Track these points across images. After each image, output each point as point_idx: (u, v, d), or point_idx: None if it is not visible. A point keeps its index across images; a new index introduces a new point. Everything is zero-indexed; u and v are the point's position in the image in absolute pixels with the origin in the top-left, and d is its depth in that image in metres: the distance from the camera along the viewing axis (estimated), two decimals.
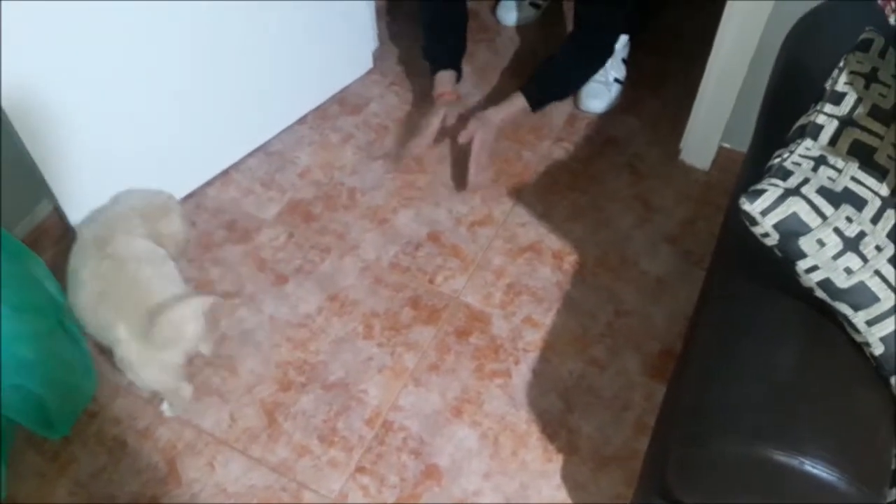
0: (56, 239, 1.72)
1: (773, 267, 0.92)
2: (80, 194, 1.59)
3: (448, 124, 1.86)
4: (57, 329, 1.40)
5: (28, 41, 1.35)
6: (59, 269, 1.64)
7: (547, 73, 1.88)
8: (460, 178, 1.84)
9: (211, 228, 1.77)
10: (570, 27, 2.22)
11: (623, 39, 2.01)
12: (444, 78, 1.91)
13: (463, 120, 1.83)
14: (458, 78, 1.94)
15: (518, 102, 1.83)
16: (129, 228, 1.45)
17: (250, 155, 1.90)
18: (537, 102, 1.85)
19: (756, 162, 1.07)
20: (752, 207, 0.89)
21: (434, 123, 1.83)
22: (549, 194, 1.85)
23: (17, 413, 1.33)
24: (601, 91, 2.02)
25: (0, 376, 1.24)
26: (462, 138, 1.79)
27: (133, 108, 1.59)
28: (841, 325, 0.90)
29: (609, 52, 1.92)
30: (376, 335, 1.58)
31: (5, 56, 1.33)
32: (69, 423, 1.44)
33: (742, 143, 1.44)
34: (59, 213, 1.65)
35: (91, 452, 1.43)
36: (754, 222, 0.90)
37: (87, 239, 1.45)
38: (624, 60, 2.06)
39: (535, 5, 2.28)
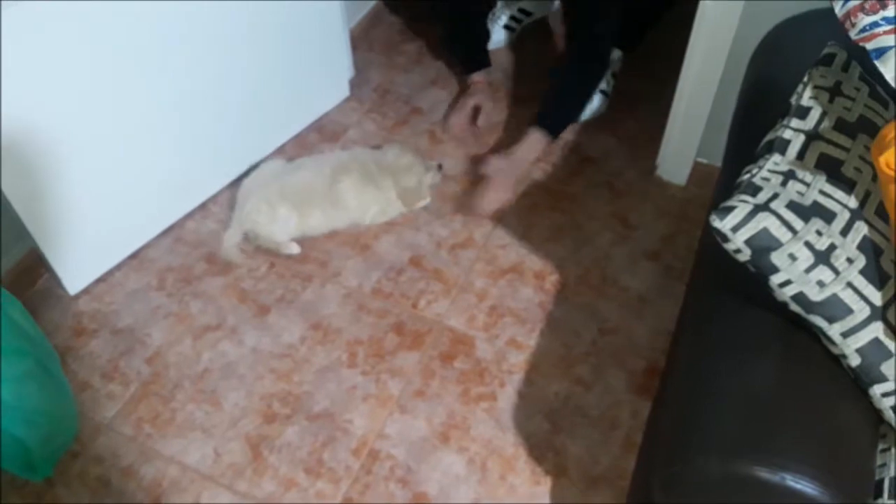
0: (33, 279, 1.71)
1: (750, 282, 0.93)
2: (59, 234, 1.58)
3: (481, 106, 2.05)
4: (37, 371, 1.38)
5: (8, 88, 1.35)
6: (37, 310, 1.64)
7: (555, 100, 1.93)
8: (467, 203, 1.87)
9: (191, 262, 1.76)
10: (541, 50, 2.27)
11: (617, 53, 2.04)
12: (478, 73, 2.10)
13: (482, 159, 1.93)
14: (489, 66, 2.13)
15: (537, 137, 1.86)
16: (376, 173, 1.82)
17: (229, 186, 1.90)
18: (555, 131, 1.89)
19: (729, 177, 1.07)
20: (723, 224, 0.90)
21: (470, 103, 2.03)
22: (529, 215, 1.85)
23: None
24: None
25: None
26: (485, 170, 1.85)
27: (112, 144, 1.59)
28: (817, 338, 0.91)
29: (605, 63, 1.97)
30: (360, 363, 1.58)
31: None
32: (51, 464, 1.42)
33: (717, 158, 1.46)
34: (36, 254, 1.64)
35: (74, 493, 1.41)
36: (726, 239, 0.90)
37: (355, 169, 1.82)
38: (614, 74, 2.09)
39: (508, 28, 2.30)
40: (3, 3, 1.27)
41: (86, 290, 1.71)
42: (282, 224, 1.75)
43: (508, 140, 2.02)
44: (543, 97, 1.94)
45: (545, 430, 1.47)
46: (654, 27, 2.07)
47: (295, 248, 1.77)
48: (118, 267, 1.75)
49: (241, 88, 1.82)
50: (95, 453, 1.46)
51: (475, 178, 1.90)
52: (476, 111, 2.04)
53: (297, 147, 2.02)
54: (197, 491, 1.40)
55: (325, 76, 2.09)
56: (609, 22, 1.89)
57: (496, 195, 1.82)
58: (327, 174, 1.79)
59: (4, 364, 1.28)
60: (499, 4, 2.30)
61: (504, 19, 2.29)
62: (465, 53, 2.14)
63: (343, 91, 2.15)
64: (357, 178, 1.80)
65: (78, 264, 1.68)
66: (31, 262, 1.70)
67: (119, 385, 1.56)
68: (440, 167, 1.90)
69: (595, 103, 2.05)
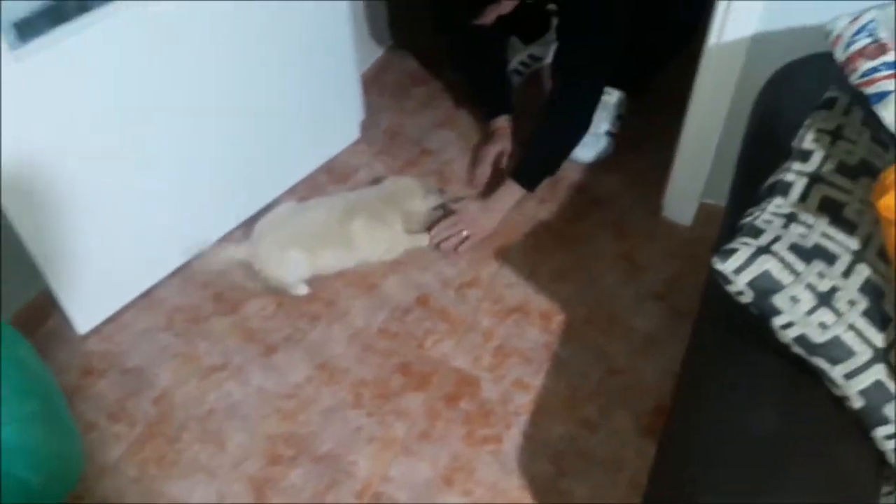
0: (43, 319, 1.72)
1: (754, 323, 0.93)
2: (71, 274, 1.60)
3: (505, 151, 2.05)
4: (43, 411, 1.38)
5: (24, 124, 1.37)
6: (47, 350, 1.65)
7: (532, 151, 1.94)
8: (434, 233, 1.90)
9: (199, 302, 1.78)
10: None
11: (618, 95, 2.06)
12: (501, 119, 2.10)
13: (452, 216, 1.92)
14: (512, 113, 2.12)
15: (512, 189, 1.90)
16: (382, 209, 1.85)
17: (239, 227, 1.92)
18: (532, 183, 1.91)
19: (733, 218, 1.08)
20: (725, 266, 0.90)
21: (493, 151, 2.04)
22: (535, 255, 1.86)
23: (3, 499, 1.31)
24: (589, 140, 2.04)
25: None
26: (456, 206, 1.92)
27: (124, 184, 1.61)
28: (820, 380, 0.90)
29: (588, 113, 1.92)
30: (365, 404, 1.57)
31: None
32: None
33: (724, 199, 1.46)
34: (47, 294, 1.66)
35: None
36: (728, 281, 0.91)
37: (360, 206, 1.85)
38: (619, 116, 2.10)
39: (517, 72, 2.33)
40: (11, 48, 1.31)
41: (95, 331, 1.72)
42: (292, 267, 1.76)
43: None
44: (522, 151, 1.96)
45: (550, 473, 1.45)
46: (658, 72, 2.09)
47: (303, 290, 1.78)
48: (128, 307, 1.76)
49: (253, 130, 1.85)
50: (100, 495, 1.46)
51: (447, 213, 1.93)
52: (500, 156, 2.06)
53: (308, 188, 2.05)
54: None
55: (337, 119, 2.12)
56: (596, 71, 1.86)
57: (451, 230, 1.86)
58: (338, 216, 1.82)
59: (11, 405, 1.28)
60: (509, 50, 2.33)
61: (514, 64, 2.32)
62: (491, 100, 2.15)
63: (353, 133, 2.19)
64: (366, 218, 1.82)
65: (88, 304, 1.70)
66: (41, 302, 1.71)
67: (125, 426, 1.56)
68: (441, 191, 1.93)
69: (602, 145, 2.07)
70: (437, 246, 1.87)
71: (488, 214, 1.90)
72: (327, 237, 1.80)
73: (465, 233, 1.86)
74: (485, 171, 2.04)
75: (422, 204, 1.88)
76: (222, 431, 1.53)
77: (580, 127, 1.93)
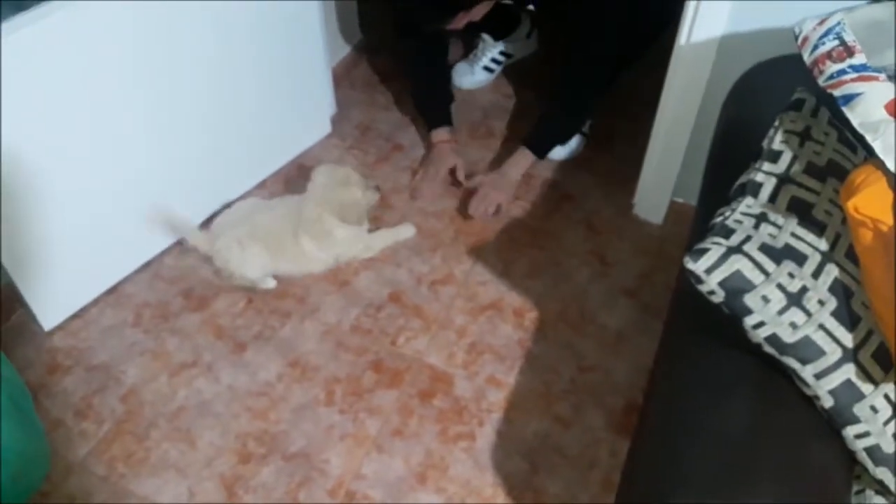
0: (7, 315, 1.69)
1: (726, 322, 0.94)
2: (35, 269, 1.57)
3: (459, 167, 2.02)
4: (7, 408, 1.36)
5: None
6: (11, 346, 1.61)
7: (544, 121, 2.01)
8: (463, 212, 1.97)
9: (168, 298, 1.75)
10: (522, 90, 2.30)
11: None
12: (442, 131, 2.07)
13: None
14: (451, 125, 2.10)
15: (525, 156, 1.98)
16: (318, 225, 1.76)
17: (209, 221, 1.89)
18: (543, 151, 2.00)
19: (704, 217, 1.09)
20: (697, 266, 0.91)
21: (442, 171, 2.02)
22: (508, 252, 1.87)
23: None
24: None
25: None
26: (473, 182, 1.97)
27: (90, 178, 1.58)
28: (791, 379, 0.92)
29: (600, 87, 1.97)
30: (338, 401, 1.56)
31: None
32: None
33: (693, 198, 1.48)
34: (11, 289, 1.62)
35: None
36: (700, 281, 0.91)
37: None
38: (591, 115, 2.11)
39: (488, 69, 2.33)
40: None
41: (61, 327, 1.69)
42: (254, 264, 1.73)
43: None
44: (538, 119, 2.02)
45: (524, 470, 1.46)
46: (628, 69, 2.11)
47: (271, 283, 1.77)
48: (94, 303, 1.73)
49: (223, 124, 1.82)
50: (67, 493, 1.43)
51: (468, 192, 1.97)
52: (453, 172, 2.02)
53: (278, 182, 2.03)
54: None
55: (308, 113, 2.10)
56: (607, 45, 1.89)
57: (485, 201, 1.92)
58: (291, 227, 1.76)
59: None
60: (480, 46, 2.34)
61: (485, 60, 2.32)
62: (437, 110, 2.11)
63: (325, 128, 2.17)
64: (311, 237, 1.77)
65: (53, 300, 1.66)
66: (5, 297, 1.67)
67: (93, 423, 1.53)
68: (377, 188, 1.86)
69: (573, 144, 2.08)
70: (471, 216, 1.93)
71: (507, 181, 1.96)
72: (283, 247, 1.75)
73: (495, 201, 1.93)
74: (434, 189, 2.01)
75: (362, 195, 1.79)
76: (192, 429, 1.52)
77: (589, 100, 2.00)
